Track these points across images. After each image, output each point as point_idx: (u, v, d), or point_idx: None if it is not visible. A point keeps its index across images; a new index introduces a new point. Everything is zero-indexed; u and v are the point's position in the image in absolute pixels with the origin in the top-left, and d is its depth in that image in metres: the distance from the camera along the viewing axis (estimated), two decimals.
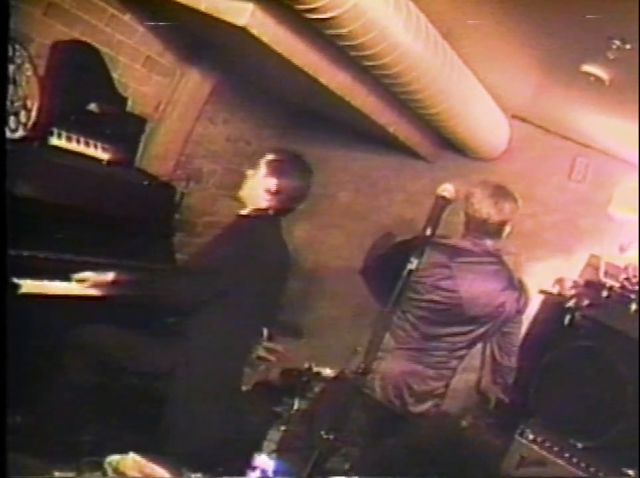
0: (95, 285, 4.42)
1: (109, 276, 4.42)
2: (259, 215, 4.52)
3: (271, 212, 4.53)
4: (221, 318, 4.31)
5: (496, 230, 4.78)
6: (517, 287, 4.85)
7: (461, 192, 4.27)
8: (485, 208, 4.71)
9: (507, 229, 4.82)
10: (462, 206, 4.73)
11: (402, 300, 4.38)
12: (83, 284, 4.41)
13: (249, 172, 4.63)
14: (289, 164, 4.57)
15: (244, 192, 4.61)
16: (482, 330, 4.81)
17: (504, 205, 4.74)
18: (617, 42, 4.51)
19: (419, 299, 4.72)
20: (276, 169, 4.51)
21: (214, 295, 4.27)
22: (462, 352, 4.92)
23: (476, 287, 4.72)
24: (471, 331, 4.82)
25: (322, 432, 4.16)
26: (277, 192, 4.48)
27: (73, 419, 4.29)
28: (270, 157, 4.60)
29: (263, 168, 4.54)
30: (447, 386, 4.95)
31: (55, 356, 4.26)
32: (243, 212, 4.59)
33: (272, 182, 4.48)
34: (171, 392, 4.26)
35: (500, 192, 4.80)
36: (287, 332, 6.08)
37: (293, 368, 5.76)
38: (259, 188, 4.51)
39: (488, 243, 4.80)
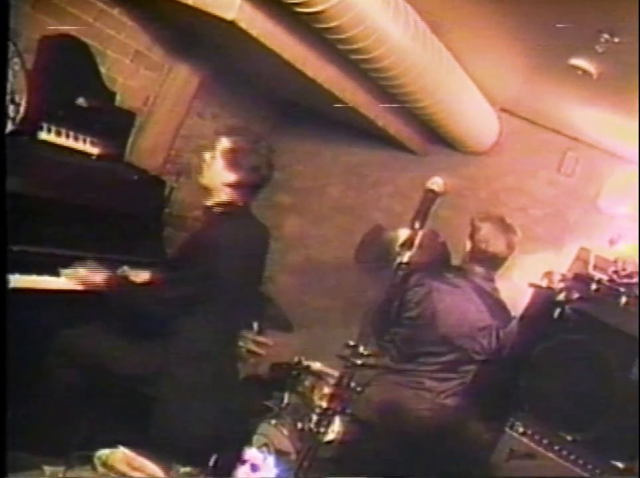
0: (85, 283, 4.37)
1: (99, 276, 4.37)
2: (226, 210, 4.34)
3: (236, 204, 4.34)
4: (205, 315, 4.25)
5: (500, 263, 5.04)
6: (502, 318, 4.96)
7: (449, 186, 4.29)
8: (497, 243, 4.82)
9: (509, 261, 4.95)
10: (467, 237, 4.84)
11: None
12: (73, 280, 4.38)
13: (207, 156, 4.37)
14: (246, 155, 4.30)
15: (205, 181, 4.40)
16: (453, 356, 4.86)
17: (512, 240, 4.88)
18: (606, 36, 4.51)
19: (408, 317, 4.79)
20: (233, 162, 4.27)
21: (195, 296, 4.21)
22: (439, 375, 4.94)
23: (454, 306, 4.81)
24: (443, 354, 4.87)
25: (312, 426, 4.19)
26: (237, 186, 4.29)
27: (62, 413, 4.28)
28: (226, 144, 4.33)
29: (220, 160, 4.30)
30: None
31: (43, 353, 4.25)
32: (209, 203, 4.40)
33: (231, 177, 4.28)
34: (159, 389, 4.22)
35: (508, 227, 4.94)
36: (277, 326, 6.08)
37: (283, 362, 5.77)
38: (218, 181, 4.31)
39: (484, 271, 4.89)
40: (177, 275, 4.25)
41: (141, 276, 4.67)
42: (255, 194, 4.44)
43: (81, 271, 4.37)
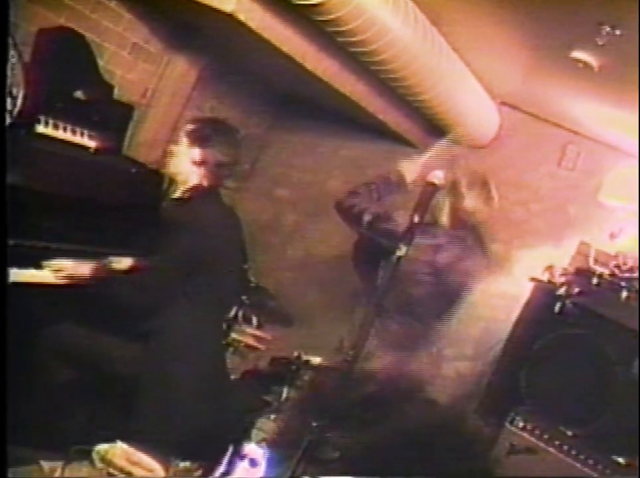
0: (69, 276, 4.33)
1: (86, 269, 4.33)
2: (195, 195, 4.35)
3: (205, 186, 4.36)
4: (189, 309, 4.24)
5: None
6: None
7: (449, 179, 4.29)
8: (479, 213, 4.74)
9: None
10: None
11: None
12: (58, 274, 4.33)
13: (173, 148, 4.45)
14: (209, 131, 4.37)
15: (172, 170, 4.47)
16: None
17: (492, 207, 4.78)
18: (607, 28, 4.48)
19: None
20: (197, 138, 4.32)
21: (176, 290, 4.19)
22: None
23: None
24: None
25: (312, 421, 4.17)
26: (203, 162, 4.31)
27: (59, 408, 4.26)
28: (189, 127, 4.42)
29: (184, 140, 4.37)
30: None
31: (36, 348, 4.23)
32: (177, 194, 4.44)
33: (195, 152, 4.30)
34: (154, 386, 4.21)
35: (489, 195, 4.84)
36: (276, 320, 6.06)
37: (282, 357, 5.74)
38: (184, 162, 4.35)
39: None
40: (155, 261, 4.25)
41: (124, 262, 4.63)
42: (221, 176, 4.45)
43: (65, 264, 4.33)
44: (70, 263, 4.33)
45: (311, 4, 4.42)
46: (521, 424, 5.35)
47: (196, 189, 4.35)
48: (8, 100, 4.61)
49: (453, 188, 4.69)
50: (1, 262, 3.87)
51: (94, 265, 4.36)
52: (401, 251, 3.98)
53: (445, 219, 4.71)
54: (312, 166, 8.03)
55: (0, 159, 3.18)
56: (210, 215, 4.36)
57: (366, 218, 4.47)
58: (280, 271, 7.68)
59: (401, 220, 4.30)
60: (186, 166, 4.35)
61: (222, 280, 4.40)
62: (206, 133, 4.36)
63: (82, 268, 4.32)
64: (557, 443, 5.27)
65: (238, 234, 4.61)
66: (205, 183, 4.35)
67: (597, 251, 6.08)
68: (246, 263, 4.90)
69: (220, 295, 4.47)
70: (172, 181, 4.57)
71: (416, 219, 4.16)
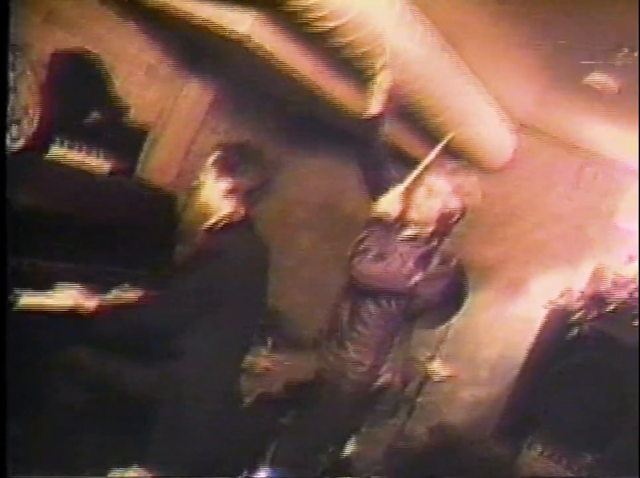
0: (77, 307, 4.28)
1: (92, 303, 4.29)
2: (229, 224, 4.27)
3: (240, 214, 4.28)
4: (210, 334, 4.20)
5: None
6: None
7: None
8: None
9: None
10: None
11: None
12: (66, 303, 4.28)
13: (201, 178, 4.32)
14: (237, 158, 4.27)
15: (202, 201, 4.33)
16: None
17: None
18: (625, 50, 4.46)
19: None
20: (225, 167, 4.22)
21: (196, 312, 4.15)
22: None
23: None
24: None
25: (328, 444, 4.14)
26: (234, 191, 4.21)
27: (73, 432, 4.23)
28: (215, 156, 4.29)
29: (212, 170, 4.26)
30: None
31: (47, 372, 4.20)
32: (208, 224, 4.32)
33: (226, 182, 4.21)
34: (169, 410, 4.18)
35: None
36: (291, 343, 6.04)
37: (296, 380, 5.71)
38: (215, 193, 4.24)
39: None
40: (178, 290, 4.21)
41: (133, 293, 4.57)
42: (252, 202, 4.36)
43: (73, 293, 4.28)
44: (77, 293, 4.28)
45: (325, 28, 4.41)
46: (539, 449, 5.31)
47: (229, 218, 4.31)
48: (25, 120, 4.62)
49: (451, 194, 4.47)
50: (14, 284, 3.87)
51: (101, 299, 4.30)
52: (418, 277, 3.98)
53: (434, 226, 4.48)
54: (326, 187, 8.01)
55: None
56: (241, 246, 4.29)
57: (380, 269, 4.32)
58: (294, 293, 7.66)
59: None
60: (217, 196, 4.25)
61: (244, 309, 4.36)
62: (234, 161, 4.26)
63: (89, 303, 4.26)
64: (575, 468, 5.22)
65: (265, 265, 4.56)
66: (240, 211, 4.31)
67: (614, 275, 6.04)
68: (266, 297, 4.85)
69: (242, 323, 4.43)
70: (188, 206, 4.51)
71: (433, 245, 4.16)
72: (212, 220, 4.31)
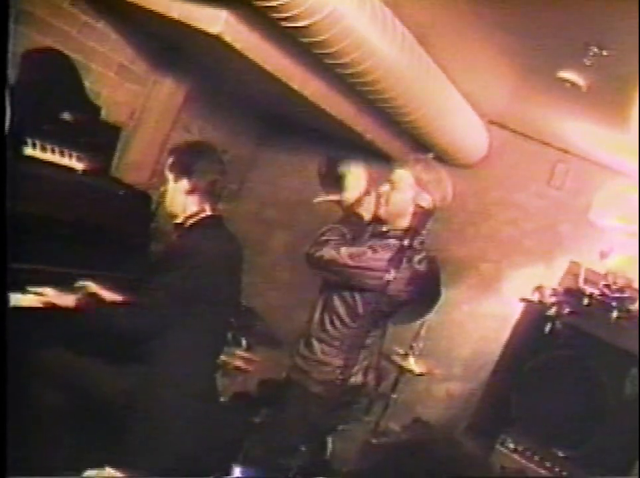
0: (54, 304, 4.28)
1: (69, 300, 4.29)
2: (198, 222, 4.34)
3: (207, 212, 4.35)
4: (184, 335, 4.21)
5: None
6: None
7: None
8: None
9: None
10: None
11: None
12: (42, 299, 4.28)
13: (164, 187, 4.45)
14: (189, 158, 4.35)
15: (169, 204, 4.43)
16: None
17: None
18: (594, 49, 4.48)
19: None
20: (180, 169, 4.32)
21: (171, 318, 4.16)
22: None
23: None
24: None
25: (300, 444, 4.13)
26: (194, 190, 4.29)
27: (46, 434, 4.22)
28: (170, 159, 4.41)
29: (169, 175, 4.36)
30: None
31: (23, 373, 4.18)
32: (179, 220, 4.40)
33: (184, 183, 4.29)
34: (142, 409, 4.18)
35: None
36: (264, 341, 6.03)
37: (270, 378, 5.70)
38: (178, 196, 4.33)
39: None
40: (152, 291, 4.21)
41: (111, 293, 4.57)
42: (216, 197, 4.43)
43: (48, 291, 4.28)
44: (52, 292, 4.28)
45: (297, 26, 4.41)
46: (512, 445, 5.32)
47: (197, 216, 4.33)
48: None
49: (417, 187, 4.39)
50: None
51: (79, 296, 4.30)
52: (390, 275, 3.97)
53: (406, 222, 4.41)
54: (299, 186, 8.00)
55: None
56: (212, 243, 4.33)
57: (344, 255, 4.27)
58: (268, 291, 7.65)
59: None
60: (180, 198, 4.33)
61: (218, 307, 4.37)
62: (187, 161, 4.34)
63: (66, 299, 4.27)
64: (548, 464, 5.24)
65: (238, 261, 4.58)
66: (205, 208, 4.34)
67: (587, 271, 6.07)
68: (240, 296, 4.85)
69: (216, 322, 4.44)
70: (162, 204, 4.53)
71: (406, 243, 4.13)
72: (179, 220, 4.35)
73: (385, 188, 4.32)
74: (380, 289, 4.09)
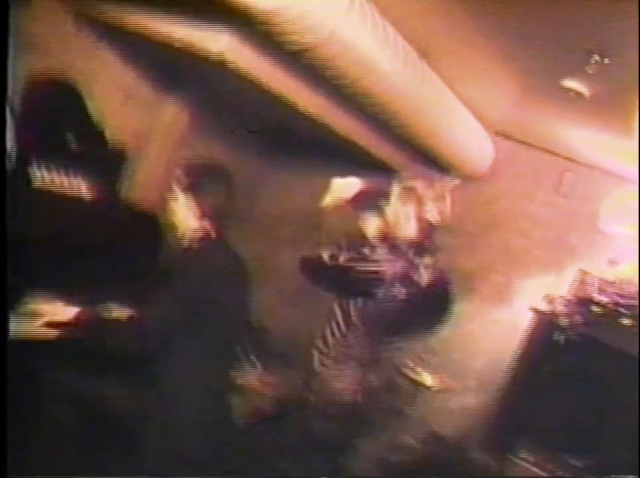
0: (51, 324, 4.28)
1: (68, 315, 4.29)
2: (202, 244, 4.30)
3: (211, 234, 4.29)
4: (193, 354, 4.22)
5: None
6: None
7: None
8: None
9: None
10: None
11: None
12: (38, 320, 4.28)
13: (171, 205, 4.38)
14: (199, 179, 4.31)
15: (175, 224, 4.40)
16: None
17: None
18: (596, 57, 4.49)
19: None
20: (189, 190, 4.26)
21: (175, 329, 4.16)
22: None
23: None
24: None
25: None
26: (201, 209, 4.25)
27: (57, 450, 4.23)
28: (179, 178, 4.33)
29: (179, 194, 4.31)
30: None
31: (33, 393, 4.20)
32: (186, 239, 4.35)
33: (192, 202, 4.25)
34: (155, 430, 4.18)
35: None
36: (277, 360, 6.03)
37: (286, 398, 5.71)
38: (185, 215, 4.30)
39: None
40: (159, 310, 4.21)
41: (118, 312, 4.58)
42: (221, 219, 4.35)
43: (48, 312, 4.29)
44: (47, 307, 4.29)
45: (300, 48, 4.42)
46: (524, 455, 5.31)
47: (202, 238, 4.33)
48: None
49: (419, 200, 4.42)
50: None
51: (82, 311, 4.31)
52: (394, 286, 3.98)
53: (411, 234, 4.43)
54: (307, 203, 8.02)
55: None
56: (216, 264, 4.31)
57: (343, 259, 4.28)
58: (280, 310, 7.65)
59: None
60: (185, 217, 4.30)
61: (227, 326, 4.37)
62: (197, 182, 4.29)
63: (66, 312, 4.27)
64: (560, 473, 5.23)
65: (242, 280, 4.58)
66: (211, 231, 4.33)
67: (597, 279, 6.06)
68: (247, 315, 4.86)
69: (225, 342, 4.44)
70: (172, 227, 4.52)
71: (410, 255, 4.14)
72: (185, 240, 4.35)
73: (388, 201, 4.33)
74: (382, 299, 4.11)
